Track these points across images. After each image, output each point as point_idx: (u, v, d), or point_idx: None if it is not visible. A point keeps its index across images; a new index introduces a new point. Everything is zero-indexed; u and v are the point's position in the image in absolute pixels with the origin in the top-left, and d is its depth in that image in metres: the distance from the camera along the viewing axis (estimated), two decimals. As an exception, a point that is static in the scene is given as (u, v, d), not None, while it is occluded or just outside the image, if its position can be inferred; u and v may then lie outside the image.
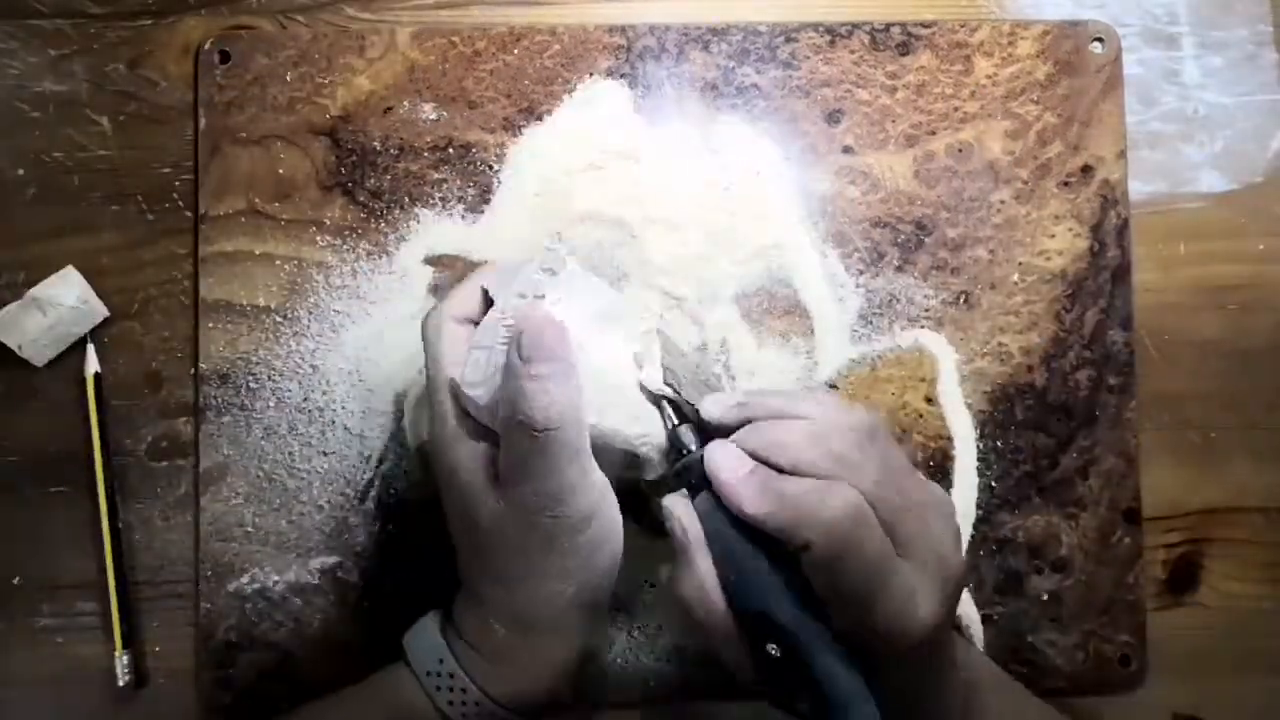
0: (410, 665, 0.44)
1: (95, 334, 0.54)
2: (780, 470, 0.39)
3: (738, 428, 0.41)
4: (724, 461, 0.40)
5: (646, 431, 0.43)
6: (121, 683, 0.52)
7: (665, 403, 0.43)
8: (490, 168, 0.54)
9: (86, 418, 0.53)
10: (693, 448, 0.42)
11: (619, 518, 0.43)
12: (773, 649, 0.38)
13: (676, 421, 0.43)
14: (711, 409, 0.42)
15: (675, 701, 0.53)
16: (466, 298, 0.45)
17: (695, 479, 0.41)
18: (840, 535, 0.37)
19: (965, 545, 0.54)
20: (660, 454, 0.43)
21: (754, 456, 0.40)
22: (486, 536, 0.42)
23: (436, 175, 0.54)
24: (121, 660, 0.52)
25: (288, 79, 0.54)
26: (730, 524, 0.40)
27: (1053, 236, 0.55)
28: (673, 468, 0.42)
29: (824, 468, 0.39)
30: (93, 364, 0.53)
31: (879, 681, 0.38)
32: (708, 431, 0.42)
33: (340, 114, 0.54)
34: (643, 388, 0.43)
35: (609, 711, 0.53)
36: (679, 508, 0.41)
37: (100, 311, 0.53)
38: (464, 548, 0.44)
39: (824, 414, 0.41)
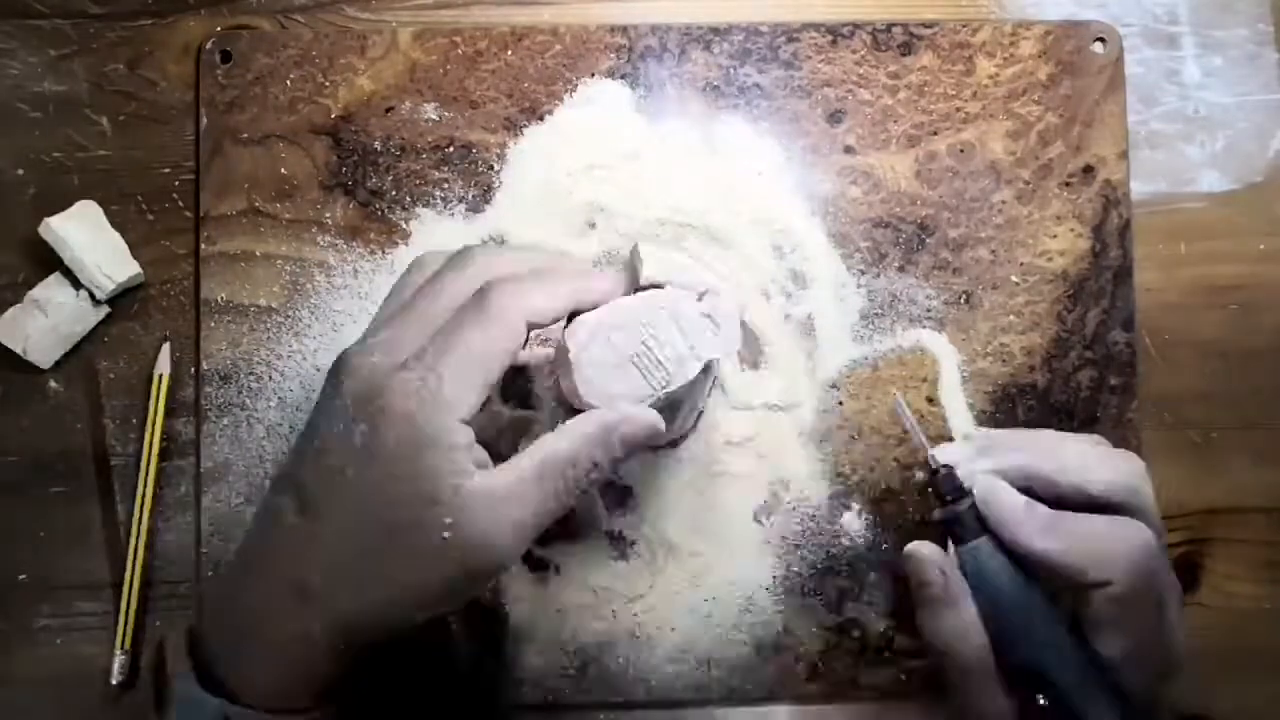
0: None
1: (95, 334, 0.54)
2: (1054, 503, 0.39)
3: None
4: (1003, 499, 0.39)
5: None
6: (114, 681, 0.52)
7: (911, 420, 0.43)
8: (491, 168, 0.54)
9: (89, 417, 0.53)
10: (963, 487, 0.41)
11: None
12: (1042, 699, 0.38)
13: (936, 459, 0.42)
14: (950, 454, 0.42)
15: (677, 704, 0.53)
16: (548, 309, 0.41)
17: (965, 526, 0.40)
18: (1142, 571, 0.37)
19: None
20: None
21: (1026, 481, 0.39)
22: None
23: (438, 175, 0.54)
24: (118, 660, 0.52)
25: (289, 79, 0.54)
26: (999, 572, 0.39)
27: (1054, 237, 0.55)
28: (940, 514, 0.41)
29: (1119, 488, 0.38)
30: (164, 364, 0.53)
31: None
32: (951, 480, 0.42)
33: (341, 114, 0.54)
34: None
35: (609, 712, 0.53)
36: (929, 552, 0.41)
37: (101, 310, 0.53)
38: None
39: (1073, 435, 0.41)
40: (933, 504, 0.42)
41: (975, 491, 0.40)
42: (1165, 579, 0.38)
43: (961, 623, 0.39)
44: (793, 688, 0.53)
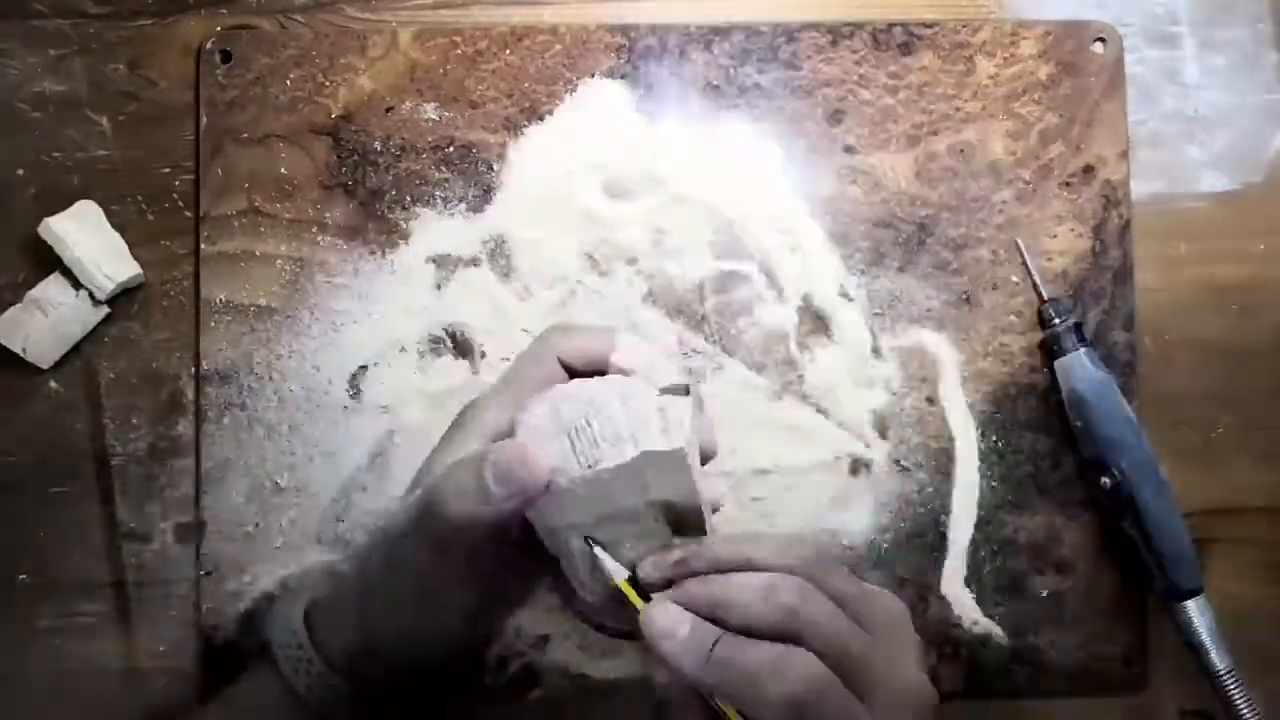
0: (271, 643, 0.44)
1: (95, 334, 0.54)
2: (730, 628, 0.37)
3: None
4: (662, 625, 0.37)
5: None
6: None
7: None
8: (491, 167, 0.54)
9: (89, 417, 0.53)
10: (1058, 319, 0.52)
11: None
12: (1106, 480, 0.52)
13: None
14: (649, 571, 0.39)
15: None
16: (580, 351, 0.42)
17: (1061, 345, 0.52)
18: (803, 713, 0.35)
19: (966, 549, 0.54)
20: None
21: (701, 614, 0.37)
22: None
23: (438, 175, 0.54)
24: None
25: (289, 79, 0.54)
26: (1086, 379, 0.52)
27: (1054, 237, 0.55)
28: (1045, 335, 0.52)
29: (774, 624, 0.37)
30: None
31: None
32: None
33: (342, 114, 0.54)
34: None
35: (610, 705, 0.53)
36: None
37: (100, 310, 0.53)
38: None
39: (766, 559, 0.38)
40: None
41: (641, 620, 0.37)
42: (845, 701, 0.36)
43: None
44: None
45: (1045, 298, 0.53)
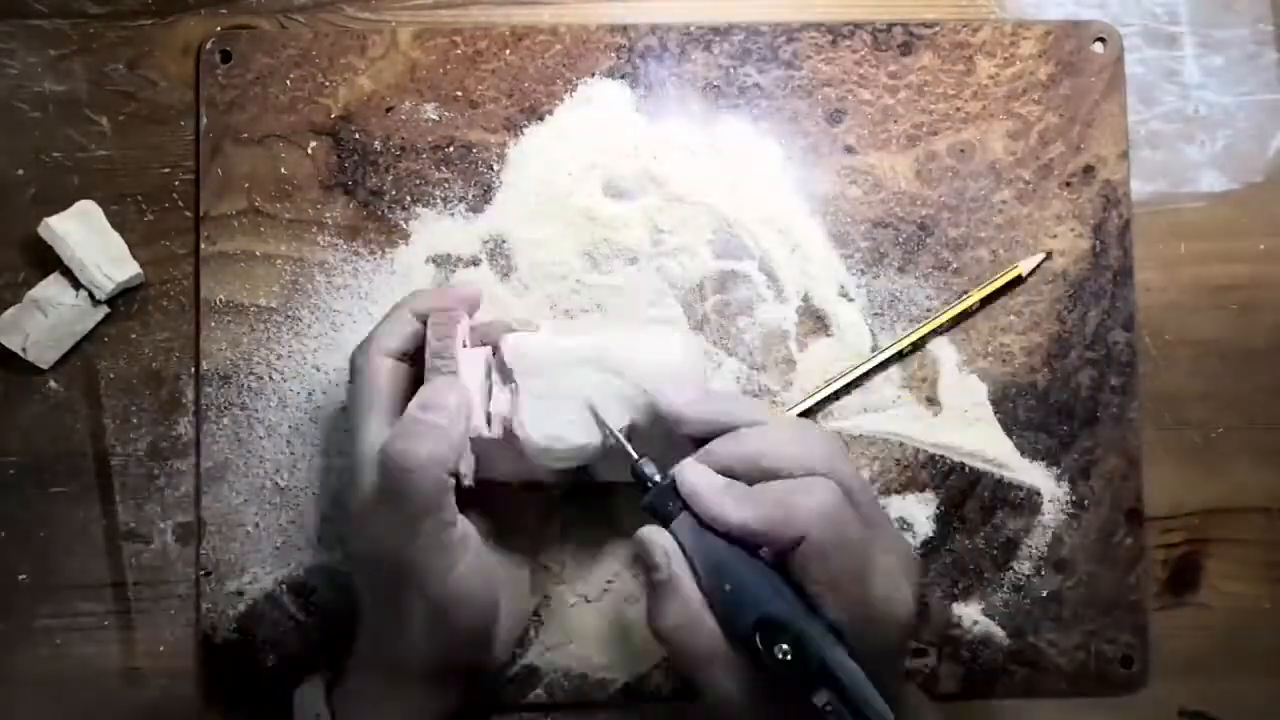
0: None
1: (95, 334, 0.54)
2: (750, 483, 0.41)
3: (701, 431, 0.43)
4: (699, 478, 0.41)
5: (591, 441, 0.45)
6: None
7: (621, 436, 0.44)
8: (491, 168, 0.54)
9: (89, 417, 0.53)
10: (657, 478, 0.42)
11: (492, 581, 0.44)
12: (781, 650, 0.38)
13: (636, 456, 0.43)
14: (673, 399, 0.43)
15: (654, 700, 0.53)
16: (396, 332, 0.46)
17: (667, 507, 0.41)
18: (831, 520, 0.39)
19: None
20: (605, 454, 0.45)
21: (723, 472, 0.41)
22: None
23: (438, 175, 0.54)
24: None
25: (289, 78, 0.54)
26: (712, 540, 0.40)
27: (1054, 237, 0.55)
28: (643, 501, 0.42)
29: (802, 466, 0.40)
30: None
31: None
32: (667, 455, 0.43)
33: (342, 113, 0.54)
34: (599, 421, 0.44)
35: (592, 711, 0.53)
36: (656, 536, 0.41)
37: (100, 310, 0.53)
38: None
39: (779, 420, 0.43)
40: (641, 492, 0.43)
41: (673, 473, 0.41)
42: (861, 530, 0.40)
43: (688, 611, 0.40)
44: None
45: (635, 457, 0.43)
